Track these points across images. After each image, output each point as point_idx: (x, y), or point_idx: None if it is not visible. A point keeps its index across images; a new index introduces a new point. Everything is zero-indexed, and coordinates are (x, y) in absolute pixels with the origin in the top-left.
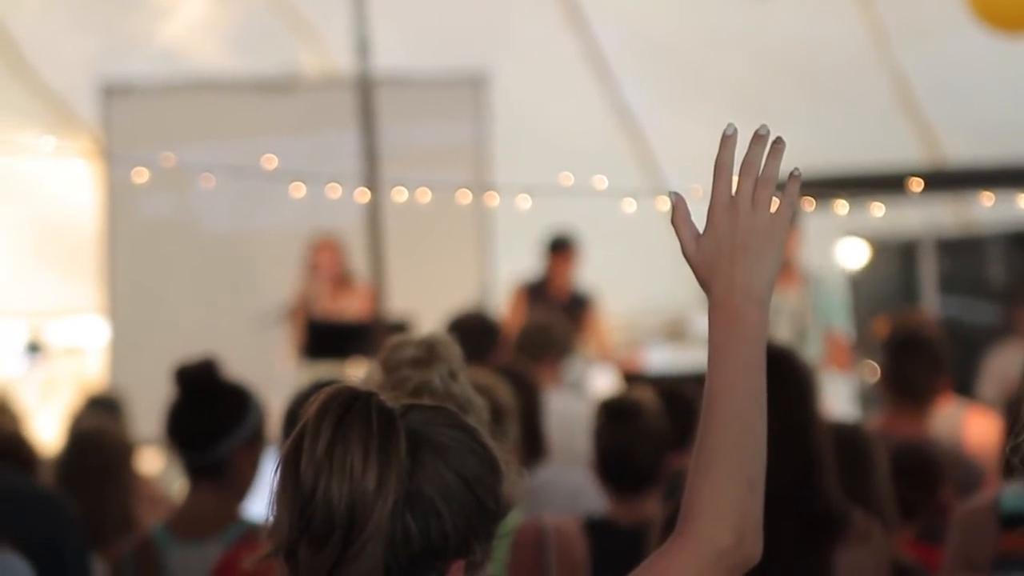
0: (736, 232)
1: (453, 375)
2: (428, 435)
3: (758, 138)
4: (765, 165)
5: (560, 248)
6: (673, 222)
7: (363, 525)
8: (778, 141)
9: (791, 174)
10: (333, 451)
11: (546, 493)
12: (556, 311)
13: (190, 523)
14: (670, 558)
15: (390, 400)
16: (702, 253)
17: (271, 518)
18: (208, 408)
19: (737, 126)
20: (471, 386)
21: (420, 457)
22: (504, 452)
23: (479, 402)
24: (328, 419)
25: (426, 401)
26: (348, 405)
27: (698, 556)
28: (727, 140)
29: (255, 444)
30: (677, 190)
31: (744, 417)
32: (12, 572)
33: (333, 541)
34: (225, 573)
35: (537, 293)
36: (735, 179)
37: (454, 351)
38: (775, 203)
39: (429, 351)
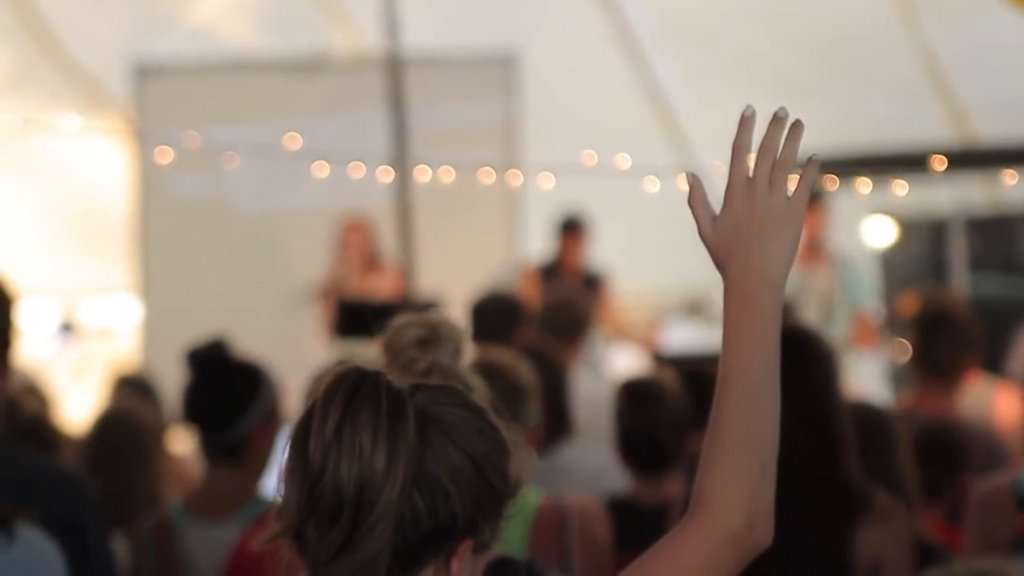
0: (753, 214)
1: (457, 353)
2: (436, 414)
3: (777, 120)
4: (783, 148)
5: (571, 228)
6: (690, 203)
7: (372, 506)
8: (797, 124)
9: (809, 158)
10: (342, 432)
11: (570, 472)
12: (577, 287)
13: (207, 502)
14: (681, 542)
15: (398, 380)
16: (718, 234)
17: (280, 498)
18: (221, 388)
19: (761, 106)
20: (486, 365)
21: (428, 437)
22: (513, 431)
23: (477, 382)
24: (337, 400)
25: (434, 380)
26: (357, 386)
27: (709, 540)
28: (745, 122)
29: (271, 422)
30: (696, 170)
31: (757, 400)
32: (37, 549)
33: (342, 522)
34: (243, 554)
35: (550, 274)
36: (752, 161)
37: (457, 330)
38: (792, 186)
39: (433, 331)
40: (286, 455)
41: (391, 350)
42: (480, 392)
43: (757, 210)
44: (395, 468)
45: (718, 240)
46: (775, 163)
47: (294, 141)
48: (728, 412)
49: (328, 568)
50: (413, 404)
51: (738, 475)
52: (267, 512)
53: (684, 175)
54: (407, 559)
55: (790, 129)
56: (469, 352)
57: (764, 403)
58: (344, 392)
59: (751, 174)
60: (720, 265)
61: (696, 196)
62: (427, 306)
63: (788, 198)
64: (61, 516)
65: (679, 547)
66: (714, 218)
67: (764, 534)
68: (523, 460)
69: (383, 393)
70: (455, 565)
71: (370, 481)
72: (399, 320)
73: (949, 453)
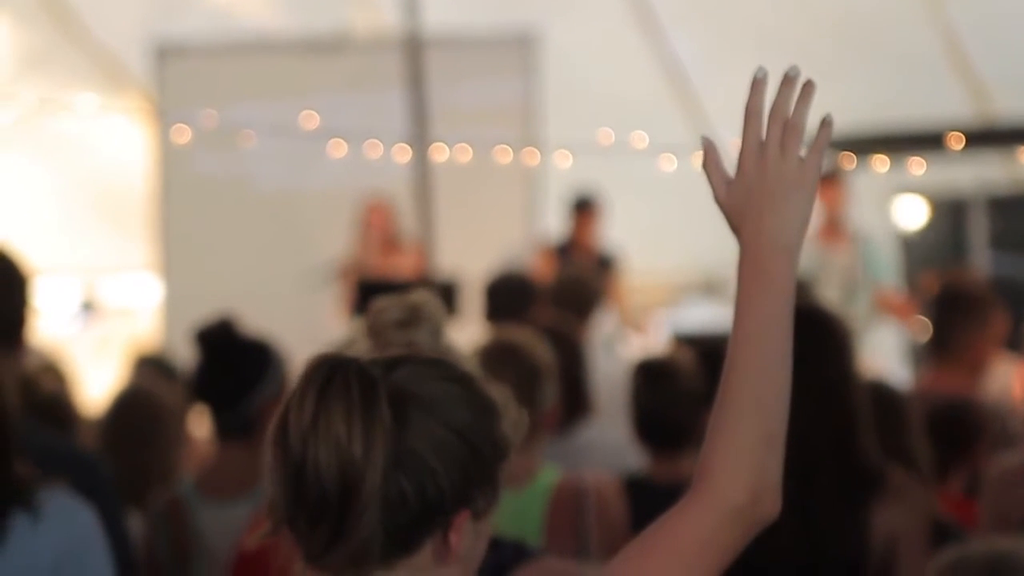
0: (765, 179)
1: (437, 333)
2: (414, 391)
3: (788, 81)
4: (794, 111)
5: (585, 207)
6: (704, 167)
7: (356, 494)
8: (808, 84)
9: (823, 121)
10: (317, 423)
11: (588, 451)
12: (587, 266)
13: (219, 482)
14: (685, 518)
15: (379, 357)
16: (732, 198)
17: (269, 494)
18: (229, 366)
19: (769, 70)
20: (503, 345)
21: (406, 415)
22: (503, 392)
23: (464, 358)
24: (311, 391)
25: (423, 353)
26: (329, 375)
27: (713, 515)
28: (757, 84)
29: (281, 398)
30: (711, 138)
31: (768, 370)
32: (75, 510)
33: (329, 514)
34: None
35: (564, 253)
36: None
37: (437, 310)
38: (805, 149)
39: (412, 312)
40: (268, 450)
41: (372, 332)
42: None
43: (769, 175)
44: (373, 453)
45: (732, 205)
46: (786, 126)
47: (313, 120)
48: (737, 382)
49: (321, 559)
50: (388, 385)
51: (744, 448)
52: None
53: (701, 140)
54: (402, 540)
55: (801, 90)
56: (484, 330)
57: (774, 373)
58: (316, 383)
59: (763, 138)
60: (734, 230)
61: (710, 161)
62: (446, 285)
63: (801, 161)
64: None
65: (683, 522)
66: (728, 183)
67: (771, 507)
68: (514, 418)
69: (353, 380)
70: (453, 539)
71: (350, 469)
72: (379, 302)
73: (962, 431)
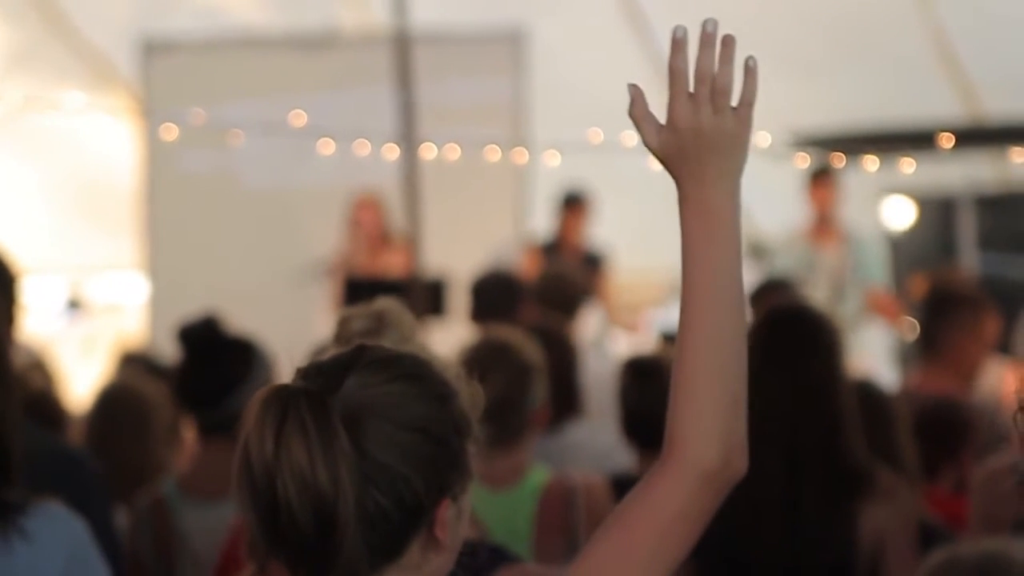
0: (701, 135)
1: (405, 340)
2: (368, 402)
3: (707, 38)
4: (719, 71)
5: (572, 204)
6: (632, 115)
7: (332, 524)
8: (727, 39)
9: (746, 66)
10: (279, 460)
11: (578, 450)
12: (570, 263)
13: (203, 482)
14: (657, 487)
15: (328, 365)
16: (666, 147)
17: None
18: (215, 365)
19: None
20: (493, 344)
21: (366, 430)
22: (450, 368)
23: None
24: (268, 428)
25: (373, 351)
26: (283, 412)
27: (685, 482)
28: (677, 43)
29: None
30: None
31: (723, 323)
32: (69, 523)
33: (310, 548)
34: (240, 539)
35: (551, 251)
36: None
37: (404, 318)
38: (735, 101)
39: (378, 320)
40: (237, 489)
41: (339, 341)
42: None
43: (705, 131)
44: (340, 480)
45: (667, 154)
46: (713, 87)
47: (301, 118)
48: (694, 339)
49: None
50: (341, 403)
51: (708, 411)
52: None
53: (627, 87)
54: (388, 549)
55: (722, 47)
56: (471, 329)
57: (730, 326)
58: (272, 419)
59: (691, 92)
60: (674, 177)
61: (638, 109)
62: (434, 284)
63: (734, 112)
64: (64, 493)
65: (656, 492)
66: (660, 131)
67: (740, 466)
68: (472, 391)
69: (306, 411)
70: (439, 533)
71: (321, 502)
72: (344, 311)
73: (950, 430)
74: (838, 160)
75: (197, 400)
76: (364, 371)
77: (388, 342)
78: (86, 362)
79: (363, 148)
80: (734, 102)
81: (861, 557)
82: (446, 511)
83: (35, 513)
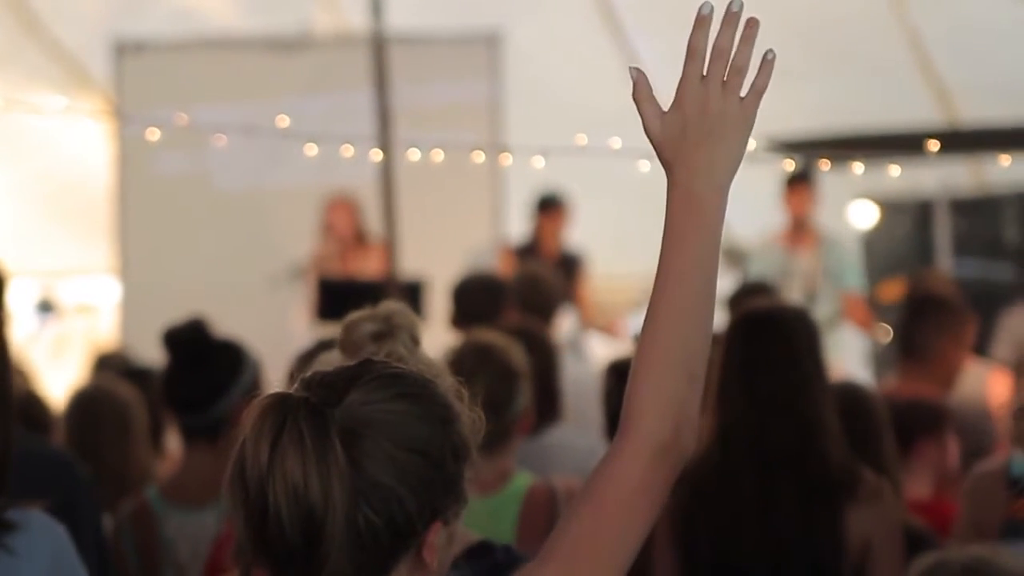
0: (705, 116)
1: (415, 341)
2: (369, 418)
3: (730, 17)
4: (737, 51)
5: (548, 207)
6: (635, 98)
7: (319, 539)
8: (751, 22)
9: (764, 57)
10: (273, 469)
11: (558, 455)
12: (546, 266)
13: (187, 488)
14: (616, 464)
15: (332, 377)
16: (666, 131)
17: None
18: (203, 369)
19: (745, 89)
20: (477, 347)
21: (362, 446)
22: (457, 389)
23: (438, 368)
24: (264, 436)
25: (377, 367)
26: (281, 421)
27: (642, 458)
28: (700, 20)
29: (252, 400)
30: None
31: (693, 308)
32: (52, 531)
33: (295, 559)
34: (226, 546)
35: (526, 254)
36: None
37: (412, 319)
38: (745, 89)
39: (387, 322)
40: (228, 496)
41: (347, 347)
42: (444, 375)
43: (710, 113)
44: (332, 496)
45: (665, 138)
46: (729, 66)
47: (282, 120)
48: (662, 320)
49: None
50: (341, 417)
51: (666, 386)
52: None
53: (628, 70)
54: (374, 567)
55: (744, 29)
56: (450, 333)
57: (699, 311)
58: (269, 429)
59: (704, 74)
60: (666, 164)
61: (641, 92)
62: (411, 286)
63: (741, 100)
64: (55, 497)
65: (615, 469)
66: (662, 116)
67: (689, 442)
68: (472, 415)
69: (304, 422)
70: (427, 556)
71: (311, 516)
72: (352, 316)
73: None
74: (814, 165)
75: (185, 405)
76: (367, 387)
77: (400, 344)
78: (57, 364)
79: (337, 150)
80: (744, 90)
81: (846, 559)
82: (436, 535)
83: (18, 521)
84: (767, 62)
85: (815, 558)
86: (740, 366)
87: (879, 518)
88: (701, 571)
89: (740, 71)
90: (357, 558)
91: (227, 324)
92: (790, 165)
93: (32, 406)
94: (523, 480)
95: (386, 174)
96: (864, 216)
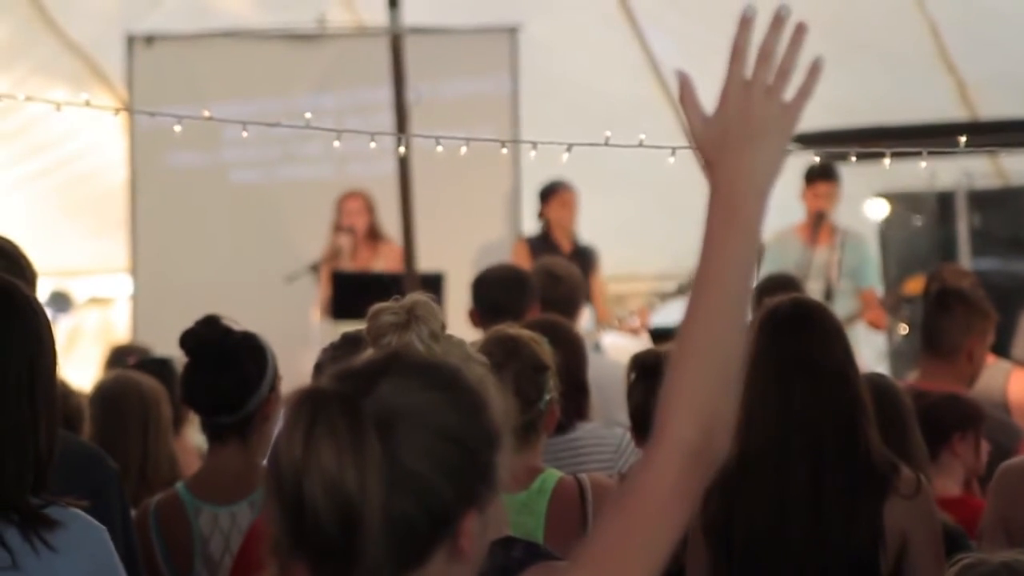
0: (748, 120)
1: (434, 336)
2: (402, 408)
3: (778, 20)
4: (785, 54)
5: (553, 192)
6: (682, 102)
7: (357, 530)
8: (799, 27)
9: (813, 64)
10: (308, 461)
11: (587, 448)
12: (565, 260)
13: (217, 484)
14: (648, 468)
15: (364, 367)
16: (709, 135)
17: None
18: (229, 370)
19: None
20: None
21: (396, 435)
22: (489, 377)
23: (470, 350)
24: (298, 430)
25: (409, 357)
26: (314, 412)
27: (674, 464)
28: (745, 22)
29: (272, 396)
30: (687, 72)
31: (730, 311)
32: (92, 531)
33: (334, 552)
34: (257, 539)
35: (539, 245)
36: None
37: (434, 312)
38: (790, 93)
39: (407, 314)
40: (265, 490)
41: (371, 337)
42: (475, 369)
43: (753, 116)
44: (368, 486)
45: (708, 141)
46: (775, 69)
47: (291, 114)
48: (699, 322)
49: None
50: (374, 406)
51: (700, 391)
52: None
53: (676, 74)
54: (412, 558)
55: (793, 33)
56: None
57: (734, 315)
58: (304, 421)
59: (749, 77)
60: (708, 168)
61: (687, 96)
62: (430, 279)
63: (785, 105)
64: (86, 491)
65: (648, 473)
66: (706, 119)
67: (722, 444)
68: (502, 401)
69: (338, 414)
70: (464, 543)
71: (348, 507)
72: (376, 306)
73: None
74: (833, 159)
75: (214, 408)
76: (399, 376)
77: (416, 337)
78: (70, 357)
79: (353, 144)
80: (789, 95)
81: (885, 555)
82: (472, 522)
83: (59, 519)
84: (816, 67)
85: (858, 554)
86: (774, 361)
87: (919, 514)
88: (746, 569)
89: (786, 74)
90: (394, 548)
91: (240, 318)
92: (798, 159)
93: (64, 400)
94: (550, 476)
95: (402, 168)
96: (881, 210)
